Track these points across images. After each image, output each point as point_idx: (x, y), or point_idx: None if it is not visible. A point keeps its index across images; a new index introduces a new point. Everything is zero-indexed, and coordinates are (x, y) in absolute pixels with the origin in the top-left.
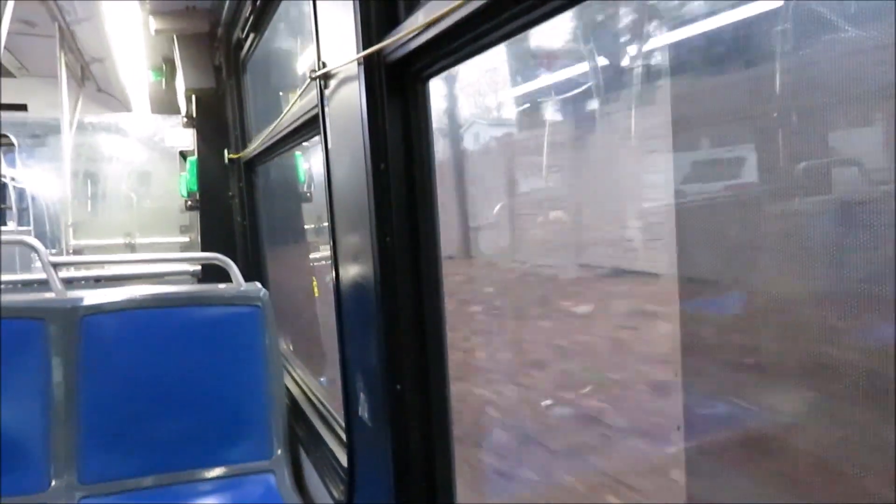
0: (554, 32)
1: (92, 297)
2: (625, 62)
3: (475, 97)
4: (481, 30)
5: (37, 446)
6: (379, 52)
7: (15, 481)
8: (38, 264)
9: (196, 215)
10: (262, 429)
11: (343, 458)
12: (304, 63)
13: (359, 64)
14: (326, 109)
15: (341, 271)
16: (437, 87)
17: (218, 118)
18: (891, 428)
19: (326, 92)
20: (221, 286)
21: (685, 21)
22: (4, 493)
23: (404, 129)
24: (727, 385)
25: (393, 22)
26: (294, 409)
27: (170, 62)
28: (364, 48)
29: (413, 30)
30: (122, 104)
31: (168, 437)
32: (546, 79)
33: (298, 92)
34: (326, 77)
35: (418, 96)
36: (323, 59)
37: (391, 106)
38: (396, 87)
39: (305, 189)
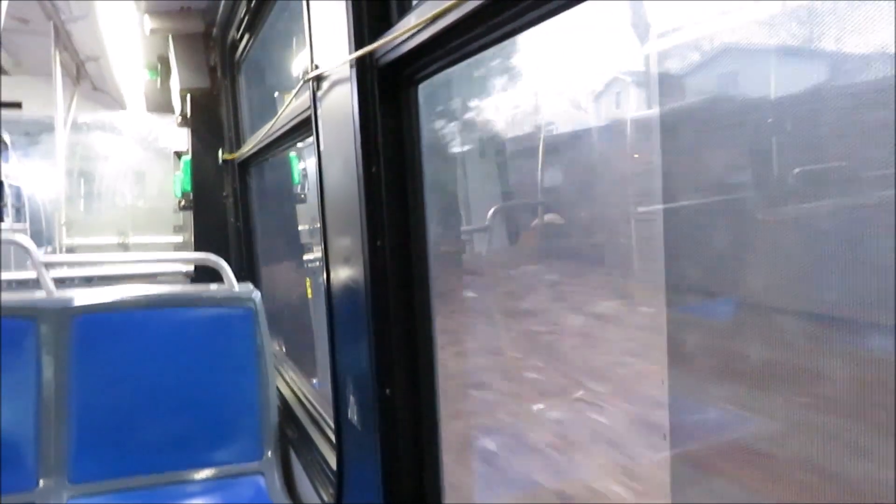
0: None
1: (83, 297)
2: None
3: None
4: (473, 33)
5: (25, 445)
6: (371, 54)
7: (3, 480)
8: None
9: (190, 215)
10: (253, 430)
11: (333, 461)
12: (298, 64)
13: (351, 66)
14: (319, 111)
15: (332, 275)
16: None
17: (213, 118)
18: None
19: (319, 94)
20: (213, 287)
21: None
22: None
23: (395, 132)
24: None
25: (385, 24)
26: (285, 411)
27: (165, 61)
28: (356, 50)
29: (405, 31)
30: (116, 103)
31: (158, 437)
32: None
33: (292, 93)
34: (319, 79)
35: (410, 100)
36: (316, 61)
37: (383, 109)
38: (388, 91)
39: (300, 190)
